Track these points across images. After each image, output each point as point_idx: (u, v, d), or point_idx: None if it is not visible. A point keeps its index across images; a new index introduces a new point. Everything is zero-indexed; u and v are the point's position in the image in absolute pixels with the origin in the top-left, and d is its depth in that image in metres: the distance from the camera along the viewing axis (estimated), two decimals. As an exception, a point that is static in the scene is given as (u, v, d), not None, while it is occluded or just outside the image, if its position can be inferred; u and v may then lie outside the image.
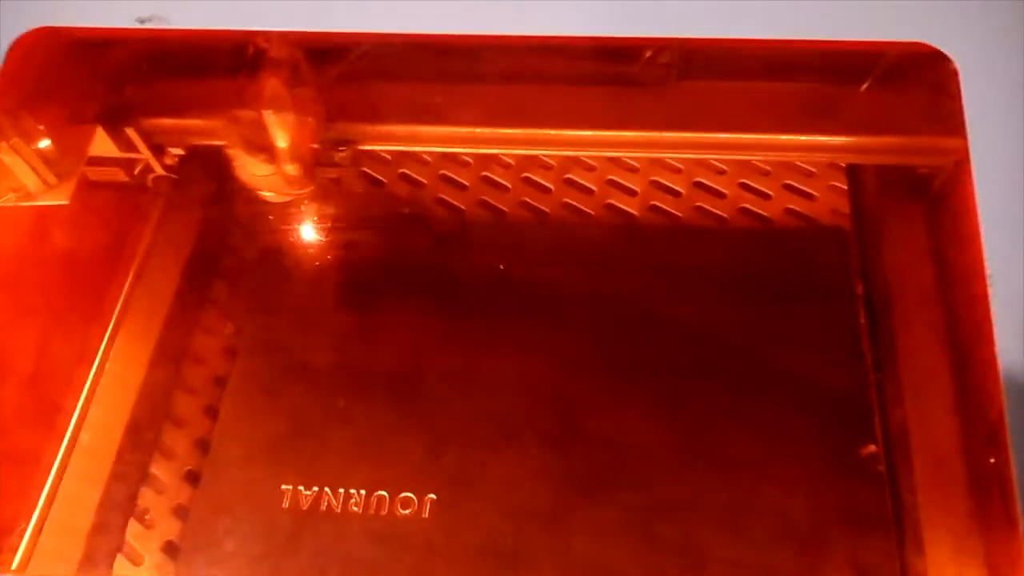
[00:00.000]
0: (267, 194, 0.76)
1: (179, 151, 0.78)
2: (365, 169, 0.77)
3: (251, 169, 0.76)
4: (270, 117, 0.74)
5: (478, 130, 0.78)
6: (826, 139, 0.76)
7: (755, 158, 0.76)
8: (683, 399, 0.65)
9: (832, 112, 0.77)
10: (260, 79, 0.76)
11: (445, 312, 0.71)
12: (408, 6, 0.73)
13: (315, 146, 0.77)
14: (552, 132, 0.78)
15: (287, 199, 0.76)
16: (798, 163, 0.76)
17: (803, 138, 0.76)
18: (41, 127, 0.76)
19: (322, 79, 0.78)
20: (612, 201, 0.76)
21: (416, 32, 0.73)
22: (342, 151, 0.78)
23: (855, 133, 0.76)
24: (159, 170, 0.78)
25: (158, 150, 0.78)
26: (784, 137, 0.76)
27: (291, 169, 0.75)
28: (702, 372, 0.66)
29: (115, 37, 0.76)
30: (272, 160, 0.75)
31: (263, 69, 0.75)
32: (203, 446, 0.66)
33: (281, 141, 0.75)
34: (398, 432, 0.65)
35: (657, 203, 0.76)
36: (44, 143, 0.75)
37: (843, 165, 0.75)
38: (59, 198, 0.75)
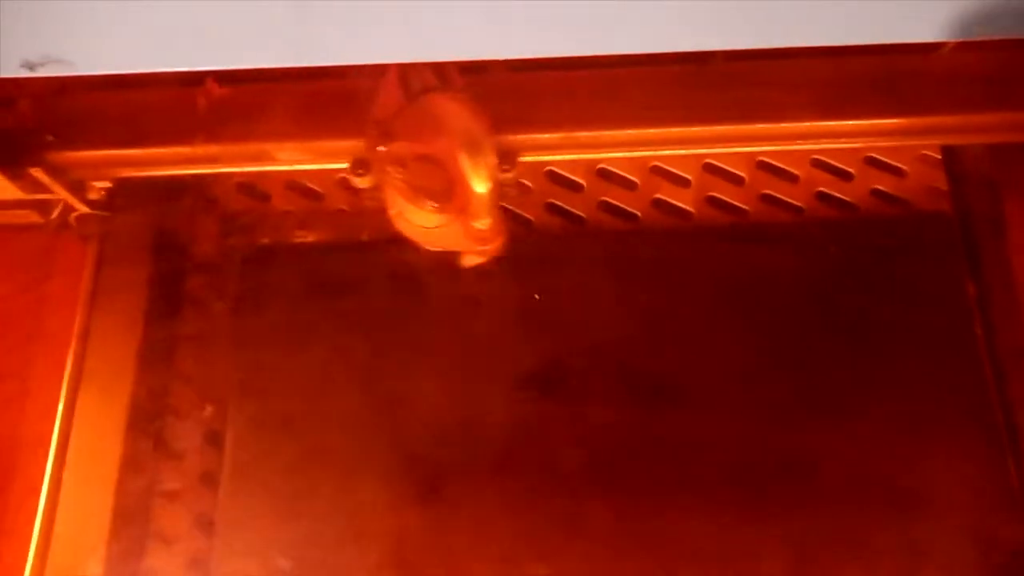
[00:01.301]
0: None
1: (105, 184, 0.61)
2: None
3: (413, 219, 0.55)
4: (464, 160, 0.52)
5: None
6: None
7: (825, 146, 0.62)
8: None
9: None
10: (412, 101, 0.54)
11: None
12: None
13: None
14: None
15: (471, 256, 0.57)
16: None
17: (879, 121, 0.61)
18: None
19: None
20: (661, 196, 0.62)
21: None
22: (506, 170, 0.58)
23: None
24: (81, 208, 0.61)
25: (77, 187, 0.60)
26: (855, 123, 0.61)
27: (481, 223, 0.54)
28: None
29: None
30: (446, 208, 0.53)
31: (401, 88, 0.53)
32: None
33: (479, 185, 0.52)
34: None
35: (717, 194, 0.62)
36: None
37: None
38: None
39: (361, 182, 0.58)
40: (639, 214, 0.61)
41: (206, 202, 0.63)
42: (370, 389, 0.57)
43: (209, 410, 0.58)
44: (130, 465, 0.56)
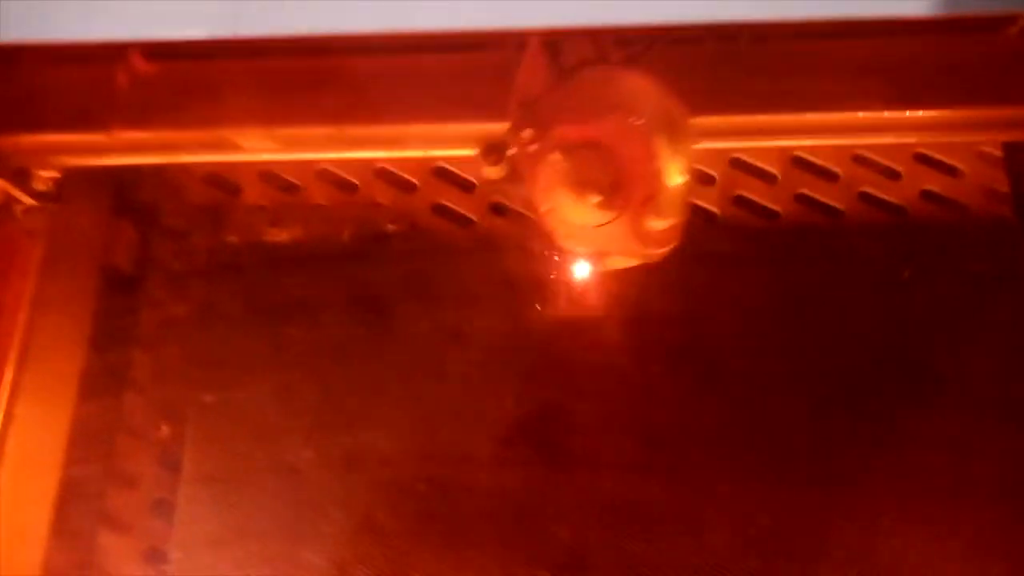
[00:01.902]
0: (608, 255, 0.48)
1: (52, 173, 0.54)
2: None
3: (571, 216, 0.45)
4: (662, 146, 0.42)
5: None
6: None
7: (868, 141, 0.55)
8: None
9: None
10: (566, 77, 0.44)
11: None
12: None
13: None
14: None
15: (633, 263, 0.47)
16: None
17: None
18: None
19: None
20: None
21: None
22: None
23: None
24: (25, 200, 0.54)
25: (20, 176, 0.53)
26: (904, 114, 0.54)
27: (662, 223, 0.44)
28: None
29: None
30: (613, 203, 0.44)
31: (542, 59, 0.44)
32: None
33: (675, 176, 0.43)
34: None
35: (745, 194, 0.54)
36: None
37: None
38: None
39: (493, 171, 0.50)
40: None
41: (167, 194, 0.56)
42: (332, 428, 0.50)
43: (165, 430, 0.52)
44: (72, 490, 0.50)
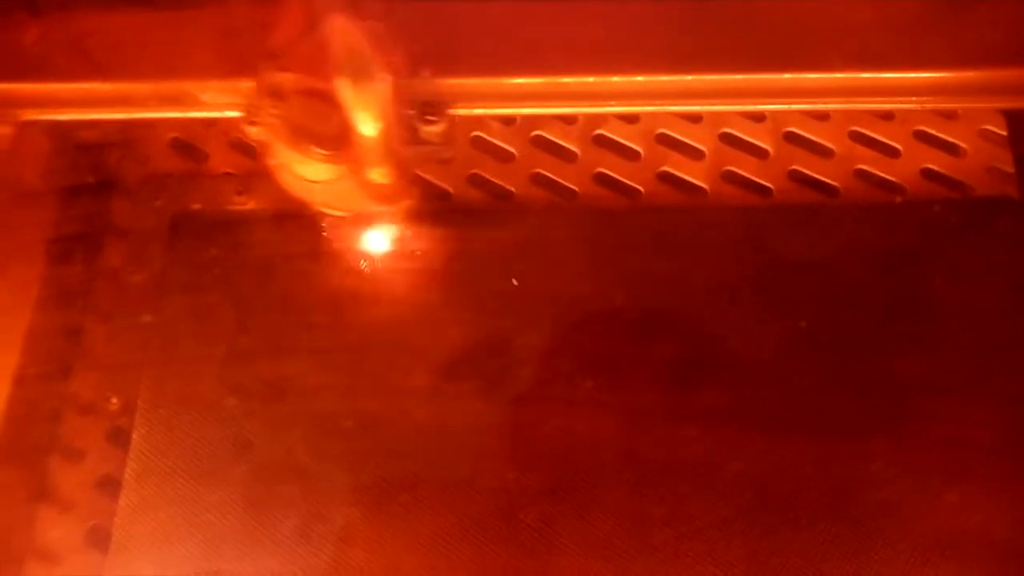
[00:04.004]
0: (335, 211, 0.47)
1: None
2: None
3: (300, 171, 0.45)
4: (346, 88, 0.40)
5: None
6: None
7: (857, 106, 0.52)
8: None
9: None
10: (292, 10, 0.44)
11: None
12: None
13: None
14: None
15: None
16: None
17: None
18: None
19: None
20: (667, 168, 0.52)
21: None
22: (432, 122, 0.50)
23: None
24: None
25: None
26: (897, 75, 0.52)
27: (379, 174, 0.44)
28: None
29: None
30: (338, 157, 0.43)
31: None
32: None
33: (368, 127, 0.42)
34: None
35: (734, 168, 0.52)
36: None
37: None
38: None
39: (255, 132, 0.47)
40: (641, 188, 0.51)
41: (132, 157, 0.53)
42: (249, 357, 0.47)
43: (115, 403, 0.49)
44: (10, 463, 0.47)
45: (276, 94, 0.43)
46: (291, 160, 0.44)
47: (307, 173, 0.44)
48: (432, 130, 0.50)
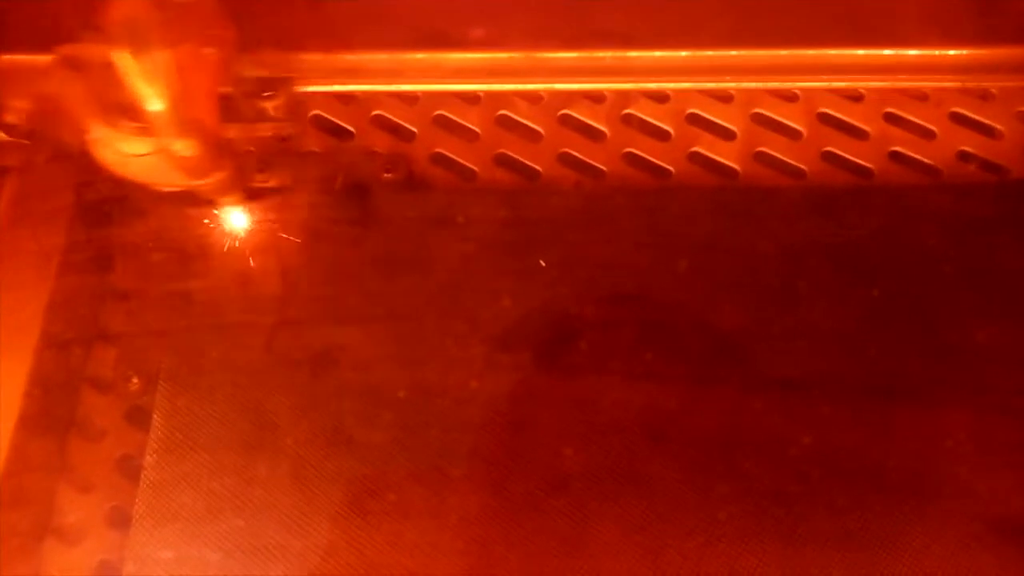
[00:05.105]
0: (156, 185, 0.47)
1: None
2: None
3: (116, 146, 0.43)
4: (125, 59, 0.38)
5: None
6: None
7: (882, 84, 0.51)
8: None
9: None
10: None
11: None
12: None
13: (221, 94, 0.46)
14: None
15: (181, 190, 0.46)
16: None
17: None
18: None
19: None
20: (699, 148, 0.51)
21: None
22: (268, 96, 0.51)
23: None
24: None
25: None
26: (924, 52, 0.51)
27: (182, 147, 0.43)
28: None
29: None
30: (151, 130, 0.42)
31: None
32: None
33: (154, 101, 0.40)
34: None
35: (767, 149, 0.51)
36: None
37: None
38: None
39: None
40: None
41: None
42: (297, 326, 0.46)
43: (136, 383, 0.48)
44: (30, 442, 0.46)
45: (67, 61, 0.41)
46: (106, 134, 0.43)
47: (123, 147, 0.43)
48: (270, 105, 0.50)
